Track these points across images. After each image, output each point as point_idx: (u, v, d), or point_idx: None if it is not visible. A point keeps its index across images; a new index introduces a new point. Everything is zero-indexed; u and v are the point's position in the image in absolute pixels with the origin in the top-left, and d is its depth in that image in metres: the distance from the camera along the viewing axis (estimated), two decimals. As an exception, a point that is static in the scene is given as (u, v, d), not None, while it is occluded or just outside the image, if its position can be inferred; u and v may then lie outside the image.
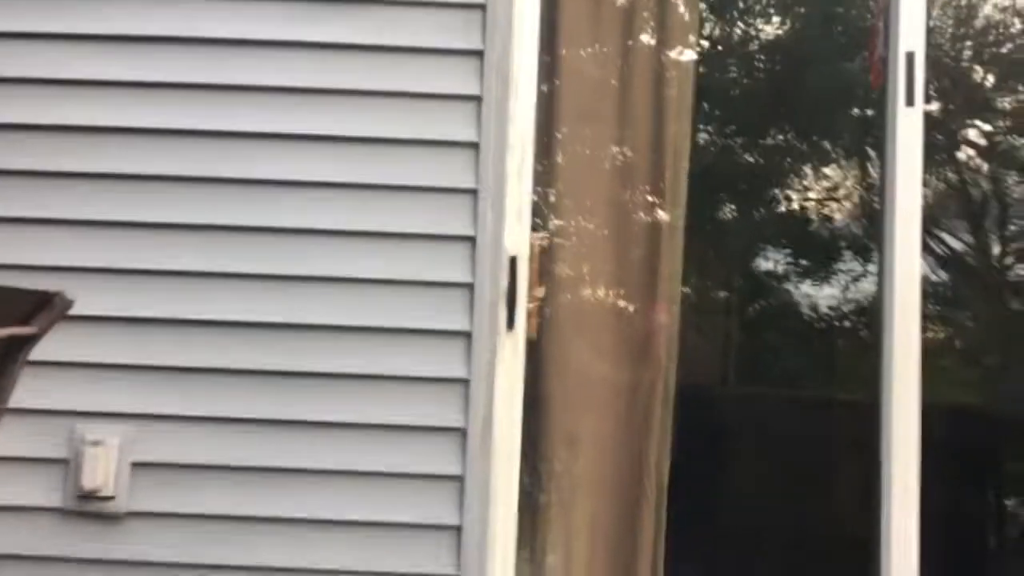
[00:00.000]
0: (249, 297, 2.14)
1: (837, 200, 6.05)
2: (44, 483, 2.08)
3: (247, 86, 2.19)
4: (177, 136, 2.18)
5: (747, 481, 4.46)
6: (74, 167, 2.17)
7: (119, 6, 2.21)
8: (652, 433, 2.43)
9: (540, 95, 2.31)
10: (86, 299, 1.61)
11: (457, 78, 2.18)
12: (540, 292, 2.33)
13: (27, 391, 1.60)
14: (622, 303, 2.52)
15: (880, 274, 2.33)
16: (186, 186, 2.17)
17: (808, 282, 6.01)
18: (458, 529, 2.08)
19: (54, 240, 2.15)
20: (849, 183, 6.01)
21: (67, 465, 2.08)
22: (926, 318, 2.30)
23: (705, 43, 5.57)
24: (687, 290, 2.57)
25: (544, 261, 2.48)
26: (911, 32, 2.31)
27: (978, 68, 5.85)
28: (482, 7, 2.19)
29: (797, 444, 4.40)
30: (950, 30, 5.76)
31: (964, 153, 5.84)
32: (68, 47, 2.20)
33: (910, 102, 2.28)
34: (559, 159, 2.53)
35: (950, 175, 5.77)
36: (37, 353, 1.52)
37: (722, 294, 5.99)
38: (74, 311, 1.52)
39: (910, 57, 2.29)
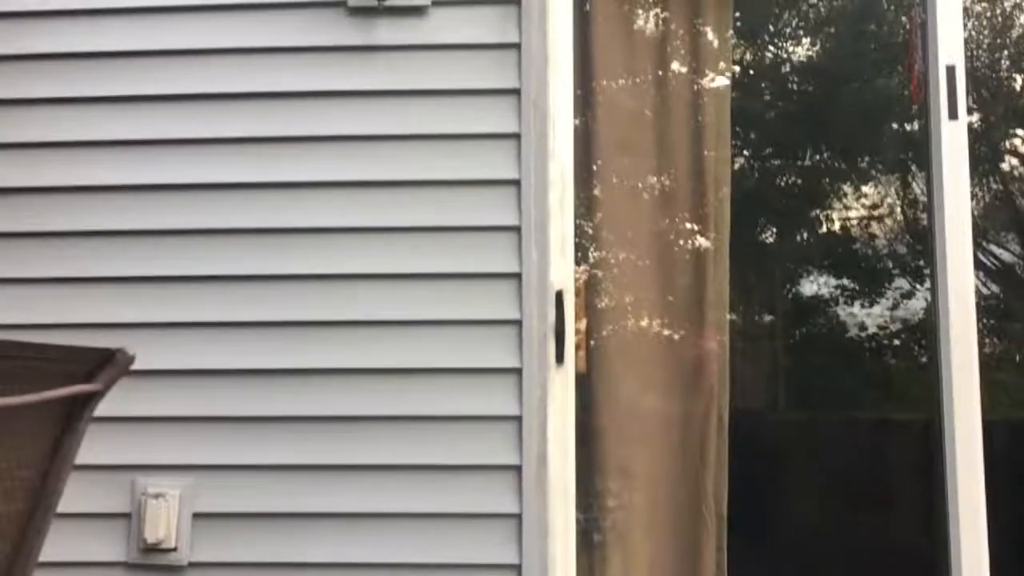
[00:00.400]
0: (300, 345, 2.17)
1: (881, 218, 5.97)
2: (108, 537, 2.10)
3: (299, 137, 2.23)
4: (226, 189, 2.22)
5: (807, 507, 4.38)
6: (127, 225, 2.22)
7: (182, 69, 2.28)
8: (708, 462, 2.40)
9: (577, 128, 2.33)
10: (140, 354, 1.63)
11: (496, 117, 2.20)
12: (581, 325, 2.32)
13: (88, 447, 1.62)
14: (671, 333, 2.51)
15: (933, 290, 2.29)
16: (236, 238, 2.21)
17: (856, 303, 5.92)
18: (518, 568, 2.07)
19: (111, 298, 2.19)
20: (891, 200, 5.94)
21: (130, 519, 2.10)
22: (979, 332, 2.25)
23: (739, 68, 5.56)
24: (734, 316, 2.54)
25: (589, 294, 2.47)
26: (950, 45, 2.29)
27: (1017, 77, 5.77)
28: (517, 46, 2.22)
29: (855, 467, 4.31)
30: (986, 40, 5.70)
31: (1008, 163, 5.75)
32: (127, 108, 2.27)
33: (953, 115, 2.26)
34: (599, 191, 2.53)
35: (996, 186, 5.68)
36: (96, 409, 1.54)
37: (769, 318, 5.92)
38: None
39: (951, 71, 2.26)
